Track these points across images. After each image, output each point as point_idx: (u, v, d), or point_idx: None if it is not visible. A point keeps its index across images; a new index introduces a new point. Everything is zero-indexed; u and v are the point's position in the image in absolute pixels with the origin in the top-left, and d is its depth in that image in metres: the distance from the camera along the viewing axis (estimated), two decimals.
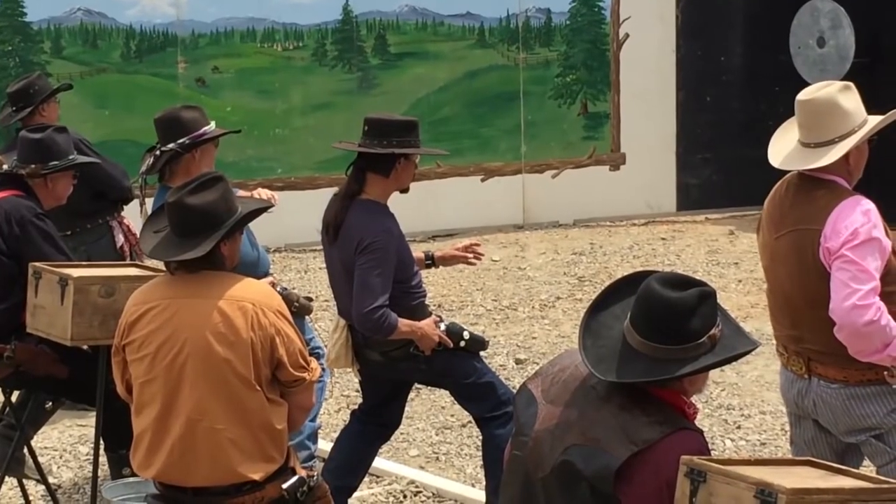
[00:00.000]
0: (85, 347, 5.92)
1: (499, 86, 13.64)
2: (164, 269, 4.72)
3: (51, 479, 6.80)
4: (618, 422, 3.79)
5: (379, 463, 6.80)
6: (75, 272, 5.66)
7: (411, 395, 6.60)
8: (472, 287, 11.00)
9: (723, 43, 14.17)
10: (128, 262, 7.35)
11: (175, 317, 4.49)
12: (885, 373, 4.82)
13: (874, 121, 4.89)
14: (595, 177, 13.84)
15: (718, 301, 3.92)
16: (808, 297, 4.84)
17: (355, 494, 6.32)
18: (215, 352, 4.43)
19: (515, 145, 13.65)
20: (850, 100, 4.87)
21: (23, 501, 6.59)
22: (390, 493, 6.81)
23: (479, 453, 6.45)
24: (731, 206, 13.72)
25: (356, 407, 6.39)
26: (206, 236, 4.49)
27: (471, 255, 6.42)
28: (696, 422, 3.94)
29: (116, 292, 5.56)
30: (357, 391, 7.37)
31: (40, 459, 6.57)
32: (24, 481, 6.63)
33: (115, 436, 5.95)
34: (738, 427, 7.62)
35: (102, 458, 6.08)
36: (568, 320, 9.93)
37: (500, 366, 8.74)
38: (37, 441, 7.07)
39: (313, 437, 6.63)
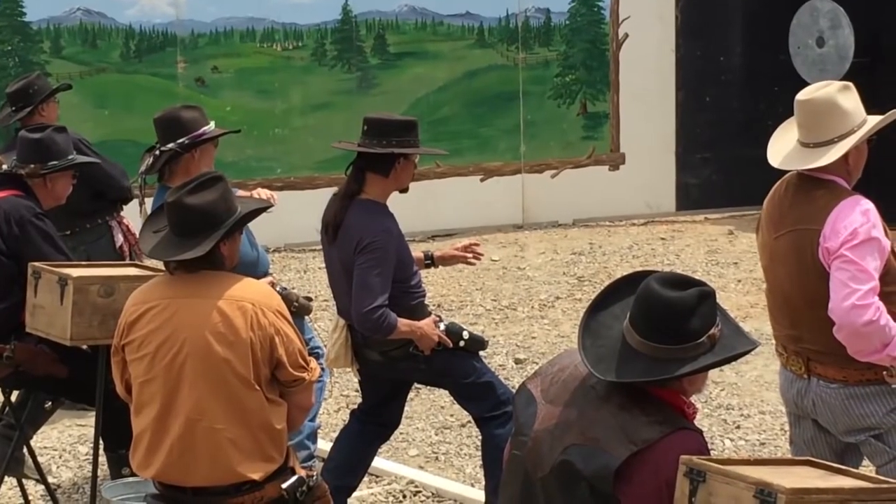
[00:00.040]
0: (84, 347, 5.93)
1: (498, 86, 13.64)
2: (163, 268, 4.72)
3: (50, 479, 6.80)
4: (617, 421, 3.79)
5: (378, 463, 6.80)
6: (75, 272, 5.66)
7: (411, 394, 6.60)
8: (471, 287, 11.00)
9: (722, 43, 14.17)
10: (127, 261, 7.35)
11: (174, 317, 4.49)
12: (885, 373, 4.82)
13: (873, 121, 4.89)
14: (594, 177, 13.84)
15: (718, 301, 3.92)
16: (807, 297, 4.84)
17: (355, 494, 6.32)
18: (215, 352, 4.43)
19: (515, 145, 13.65)
20: (850, 100, 4.87)
21: (22, 501, 6.60)
22: (390, 493, 6.81)
23: (479, 453, 6.45)
24: (731, 205, 13.72)
25: (355, 407, 6.39)
26: (206, 236, 4.50)
27: (470, 255, 6.43)
28: (696, 421, 3.94)
29: (116, 292, 5.56)
30: (356, 391, 7.37)
31: (40, 459, 6.57)
32: (24, 481, 6.63)
33: (115, 435, 5.95)
34: (738, 427, 7.63)
35: (102, 458, 6.08)
36: (567, 320, 9.93)
37: (500, 365, 8.74)
38: (36, 441, 7.07)
39: (313, 436, 6.63)
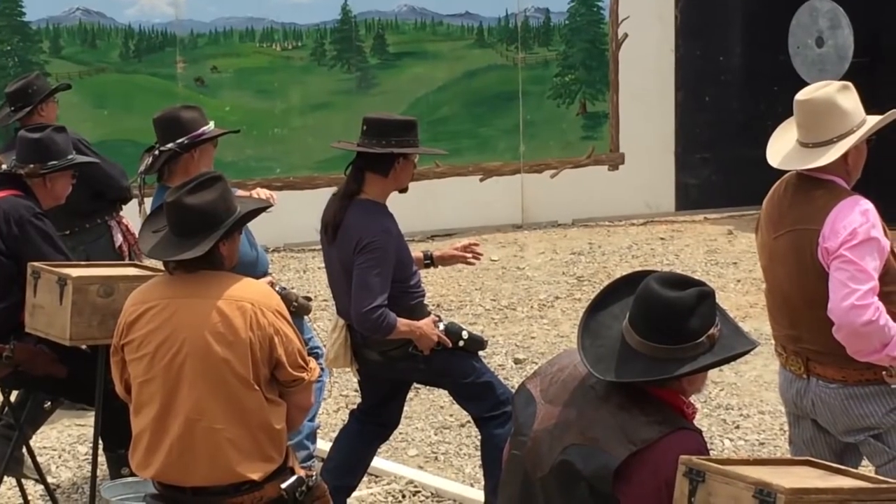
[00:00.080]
0: (84, 347, 5.93)
1: (497, 85, 13.64)
2: (162, 268, 4.72)
3: (49, 479, 6.80)
4: (616, 421, 3.79)
5: (378, 462, 6.80)
6: (74, 272, 5.66)
7: (410, 394, 6.60)
8: (470, 287, 11.00)
9: (722, 43, 14.17)
10: (126, 261, 7.35)
11: (174, 317, 4.49)
12: (884, 372, 4.82)
13: (873, 121, 4.89)
14: (594, 176, 13.84)
15: (717, 301, 3.92)
16: (806, 297, 4.84)
17: (354, 494, 6.32)
18: (214, 351, 4.43)
19: (514, 145, 13.65)
20: (849, 100, 4.87)
21: (21, 501, 6.59)
22: (389, 493, 6.81)
23: (478, 453, 6.45)
24: (730, 205, 13.72)
25: (355, 406, 6.39)
26: (205, 236, 4.49)
27: (469, 255, 6.42)
28: (695, 421, 3.94)
29: (115, 292, 5.56)
30: (356, 391, 7.37)
31: (39, 459, 6.56)
32: (23, 481, 6.63)
33: (114, 435, 5.95)
34: (737, 427, 7.63)
35: (101, 458, 6.08)
36: (567, 320, 9.93)
37: (499, 365, 8.75)
38: (35, 441, 7.07)
39: (312, 436, 6.63)
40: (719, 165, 14.13)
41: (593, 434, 3.80)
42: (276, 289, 5.71)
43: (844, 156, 4.83)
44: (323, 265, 6.34)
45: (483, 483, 6.23)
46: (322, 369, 6.01)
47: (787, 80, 12.60)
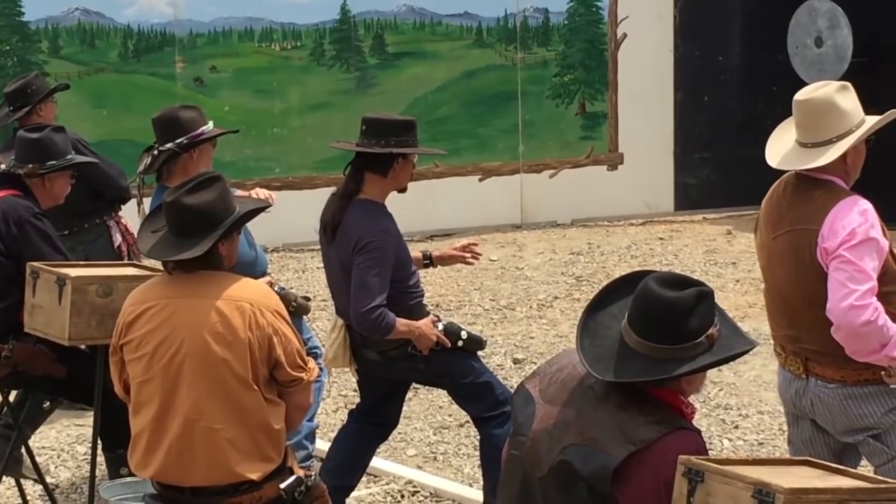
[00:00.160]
0: (83, 347, 5.93)
1: (496, 85, 13.65)
2: (161, 268, 4.72)
3: (48, 479, 6.80)
4: (615, 421, 3.79)
5: (377, 462, 6.80)
6: (73, 272, 5.65)
7: (409, 394, 6.60)
8: (469, 287, 11.00)
9: (721, 43, 14.17)
10: (125, 261, 7.35)
11: (173, 316, 4.49)
12: (883, 373, 4.82)
13: (872, 121, 4.89)
14: (593, 176, 13.85)
15: (716, 301, 3.92)
16: (805, 297, 4.84)
17: (353, 494, 6.32)
18: (213, 351, 4.43)
19: (513, 145, 13.65)
20: (848, 100, 4.87)
21: (20, 501, 6.59)
22: (388, 493, 6.81)
23: (477, 453, 6.45)
24: (729, 205, 13.72)
25: (354, 406, 6.39)
26: (204, 236, 4.49)
27: (469, 255, 6.42)
28: (694, 421, 3.94)
29: (114, 292, 5.56)
30: (355, 391, 7.37)
31: (38, 459, 6.57)
32: (22, 481, 6.63)
33: (113, 435, 5.94)
34: (736, 427, 7.63)
35: (100, 458, 6.08)
36: (566, 320, 9.93)
37: (498, 365, 8.75)
38: (34, 441, 7.07)
39: (311, 436, 6.62)
40: (718, 165, 14.14)
41: (592, 434, 3.80)
42: (275, 289, 5.71)
43: (843, 156, 4.83)
44: (322, 265, 6.33)
45: (482, 483, 6.23)
46: (321, 369, 6.02)
47: (786, 80, 12.61)
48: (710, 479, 3.56)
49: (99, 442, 5.98)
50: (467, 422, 7.16)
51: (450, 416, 7.83)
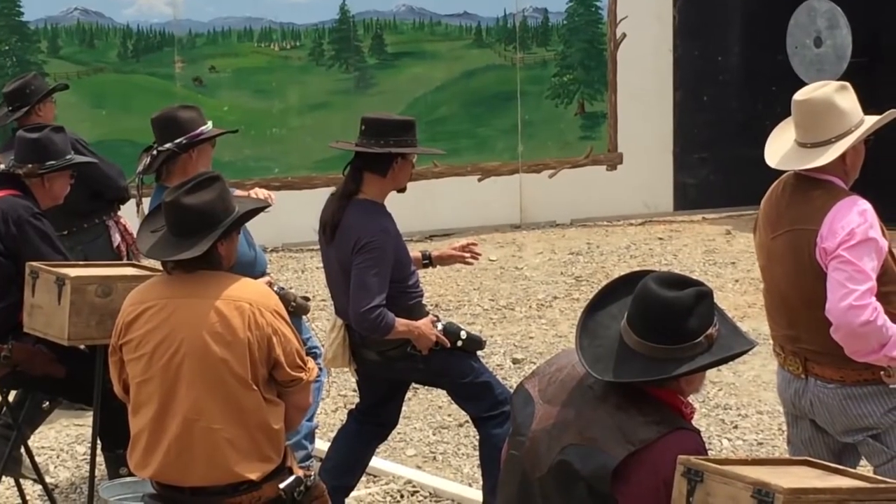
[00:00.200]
0: (82, 347, 5.92)
1: (496, 85, 13.65)
2: (160, 268, 4.72)
3: (48, 479, 6.80)
4: (615, 421, 3.79)
5: (376, 462, 6.80)
6: (72, 272, 5.65)
7: (408, 394, 6.60)
8: (469, 287, 11.00)
9: (720, 42, 14.18)
10: (124, 261, 7.35)
11: (172, 316, 4.49)
12: (882, 373, 4.82)
13: (871, 121, 4.89)
14: (592, 176, 13.85)
15: (715, 301, 3.92)
16: (804, 298, 4.84)
17: (352, 494, 6.32)
18: (212, 351, 4.43)
19: (512, 145, 13.65)
20: (847, 100, 4.87)
21: (20, 501, 6.59)
22: (387, 493, 6.81)
23: (477, 453, 6.45)
24: (728, 205, 13.73)
25: (353, 406, 6.39)
26: (203, 236, 4.49)
27: (468, 255, 6.42)
28: (694, 421, 3.94)
29: (113, 292, 5.56)
30: (354, 391, 7.36)
31: (37, 459, 6.57)
32: (21, 481, 6.63)
33: (112, 435, 5.94)
34: (735, 427, 7.63)
35: (99, 458, 6.08)
36: (565, 320, 9.93)
37: (497, 365, 8.75)
38: (34, 441, 7.07)
39: (310, 436, 6.62)
40: (717, 165, 14.14)
41: (591, 434, 3.80)
42: (275, 289, 5.71)
43: (842, 156, 4.83)
44: (321, 265, 6.33)
45: (481, 483, 6.23)
46: (320, 369, 6.01)
47: (786, 79, 12.61)
48: (709, 479, 3.56)
49: (98, 442, 5.98)
50: (467, 422, 7.16)
51: (449, 416, 7.83)
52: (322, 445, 6.77)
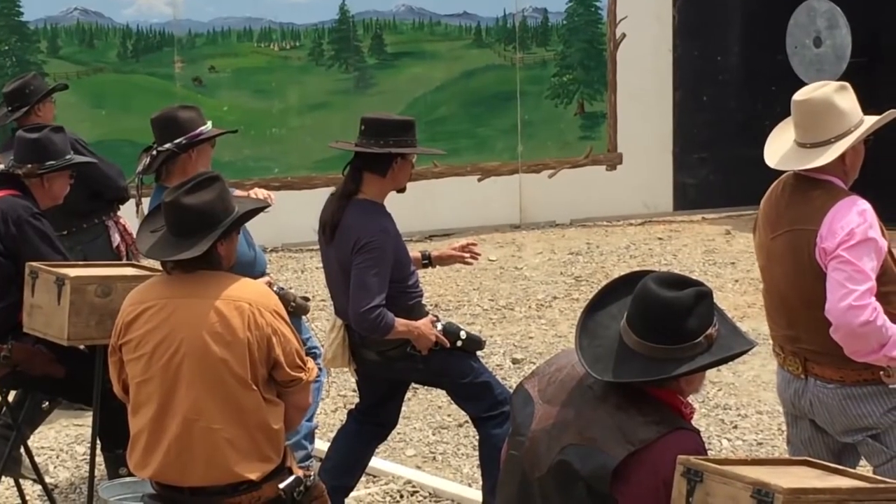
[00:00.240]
0: (82, 347, 5.92)
1: (495, 85, 13.64)
2: (160, 268, 4.72)
3: (47, 479, 6.80)
4: (614, 421, 3.79)
5: (376, 462, 6.80)
6: (72, 272, 5.66)
7: (408, 394, 6.60)
8: (468, 287, 11.00)
9: (720, 42, 14.17)
10: (124, 261, 7.35)
11: (172, 316, 4.49)
12: (882, 373, 4.82)
13: (870, 121, 4.89)
14: (592, 176, 13.84)
15: (715, 301, 3.92)
16: (804, 298, 4.84)
17: (352, 494, 6.32)
18: (212, 351, 4.43)
19: (512, 145, 13.65)
20: (847, 100, 4.87)
21: (19, 501, 6.59)
22: (387, 493, 6.81)
23: (476, 453, 6.45)
24: (728, 205, 13.72)
25: (353, 406, 6.39)
26: (203, 236, 4.49)
27: (467, 255, 6.42)
28: (693, 421, 3.94)
29: (113, 292, 5.56)
30: (354, 391, 7.37)
31: (37, 459, 6.57)
32: (21, 481, 6.63)
33: (112, 435, 5.94)
34: (735, 427, 7.63)
35: (99, 458, 6.08)
36: (565, 320, 9.93)
37: (497, 365, 8.75)
38: (33, 441, 7.07)
39: (310, 436, 6.63)
40: (717, 165, 14.13)
41: (591, 434, 3.80)
42: (274, 289, 5.71)
43: (842, 156, 4.83)
44: (321, 265, 6.33)
45: (481, 483, 6.23)
46: (320, 369, 6.01)
47: (785, 80, 12.61)
48: (709, 479, 3.56)
49: (98, 442, 5.98)
50: (466, 422, 7.16)
51: (449, 416, 7.83)
52: (322, 445, 6.77)
